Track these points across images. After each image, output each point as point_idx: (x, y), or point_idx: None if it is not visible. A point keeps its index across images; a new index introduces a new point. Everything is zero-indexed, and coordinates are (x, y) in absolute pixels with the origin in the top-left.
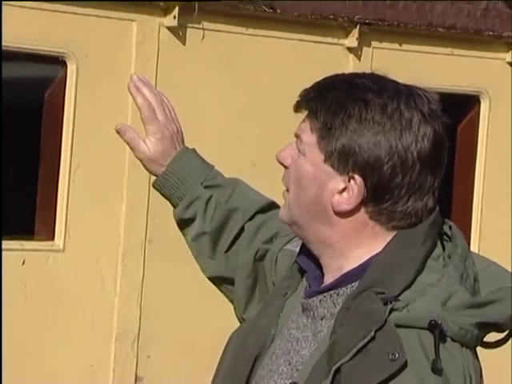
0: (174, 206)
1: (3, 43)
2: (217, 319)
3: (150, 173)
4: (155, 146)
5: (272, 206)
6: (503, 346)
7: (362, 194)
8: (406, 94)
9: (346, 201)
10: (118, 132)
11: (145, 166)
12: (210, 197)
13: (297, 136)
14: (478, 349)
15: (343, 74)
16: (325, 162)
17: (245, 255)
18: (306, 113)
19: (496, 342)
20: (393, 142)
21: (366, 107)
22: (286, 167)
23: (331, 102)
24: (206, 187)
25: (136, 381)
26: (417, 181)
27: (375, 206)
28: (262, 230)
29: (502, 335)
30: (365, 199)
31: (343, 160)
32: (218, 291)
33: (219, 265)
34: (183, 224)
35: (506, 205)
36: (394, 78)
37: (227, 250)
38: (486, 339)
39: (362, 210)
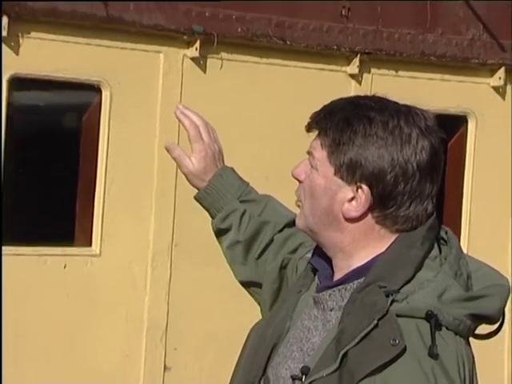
0: (212, 217)
1: (46, 73)
2: (236, 315)
3: (193, 185)
4: (199, 163)
5: None
6: (498, 339)
7: (369, 201)
8: (405, 112)
9: (354, 208)
10: (167, 149)
11: (188, 180)
12: (245, 210)
13: (309, 153)
14: (476, 342)
15: (348, 97)
16: (335, 174)
17: (272, 263)
18: (316, 132)
19: (488, 333)
20: (394, 155)
21: (370, 124)
22: (300, 181)
23: (339, 120)
24: (241, 201)
25: (164, 370)
26: (417, 188)
27: (381, 212)
28: (288, 242)
29: (493, 328)
30: (371, 206)
31: (351, 172)
32: (237, 290)
33: (250, 271)
34: (220, 233)
35: (492, 211)
36: (396, 101)
37: (257, 258)
38: (478, 331)
39: (369, 215)
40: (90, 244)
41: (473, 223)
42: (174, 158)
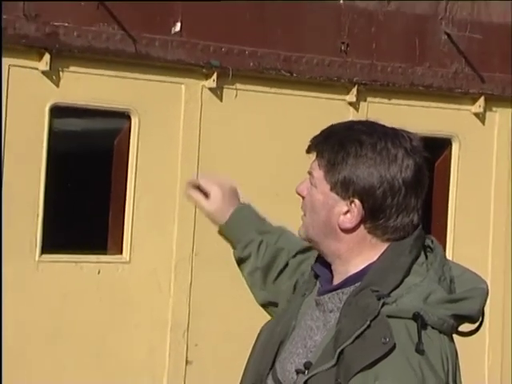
0: (234, 248)
1: (83, 103)
2: (249, 316)
3: (214, 223)
4: (215, 205)
5: (309, 248)
6: (479, 336)
7: (361, 214)
8: (392, 135)
9: (349, 220)
10: (188, 197)
11: (210, 219)
12: (262, 240)
13: (309, 173)
14: (459, 339)
15: (343, 122)
16: (331, 190)
17: (287, 283)
18: (315, 154)
19: (469, 331)
20: (382, 173)
21: (361, 146)
22: (303, 197)
23: (333, 143)
24: (259, 233)
25: (186, 364)
26: (403, 202)
27: (372, 223)
28: (301, 266)
29: (474, 326)
30: (363, 218)
31: (345, 188)
32: (250, 296)
33: (268, 294)
34: (241, 261)
35: (473, 223)
36: (385, 125)
37: (274, 280)
38: (461, 329)
39: (362, 226)
40: (120, 252)
41: (457, 234)
42: (194, 203)
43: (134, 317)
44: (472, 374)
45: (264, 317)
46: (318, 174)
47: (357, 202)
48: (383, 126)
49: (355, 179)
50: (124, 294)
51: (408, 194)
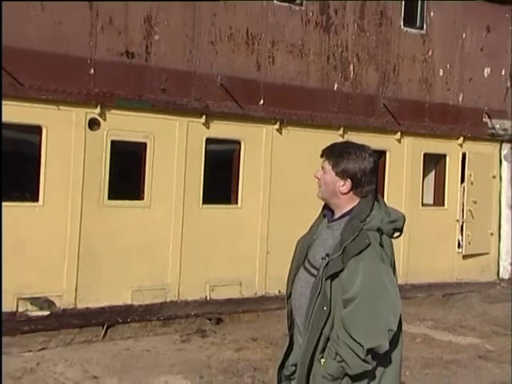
0: None
1: (220, 136)
2: (297, 230)
3: None
4: None
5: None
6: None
7: (350, 186)
8: (362, 147)
9: (344, 189)
10: None
11: None
12: None
13: (322, 167)
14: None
15: (341, 141)
16: (336, 175)
17: None
18: (325, 157)
19: (396, 236)
20: (360, 166)
21: (349, 153)
22: (318, 179)
23: (335, 152)
24: None
25: (267, 253)
26: (370, 179)
27: (355, 190)
28: None
29: (398, 234)
30: (351, 188)
31: (342, 174)
32: (298, 222)
33: None
34: None
35: (395, 189)
36: (358, 143)
37: None
38: (395, 235)
39: (351, 192)
40: (236, 203)
41: (390, 194)
42: None
43: (243, 232)
44: (397, 258)
45: (305, 231)
46: (328, 167)
47: (348, 180)
48: (357, 143)
49: (347, 170)
50: (239, 223)
51: (371, 175)
